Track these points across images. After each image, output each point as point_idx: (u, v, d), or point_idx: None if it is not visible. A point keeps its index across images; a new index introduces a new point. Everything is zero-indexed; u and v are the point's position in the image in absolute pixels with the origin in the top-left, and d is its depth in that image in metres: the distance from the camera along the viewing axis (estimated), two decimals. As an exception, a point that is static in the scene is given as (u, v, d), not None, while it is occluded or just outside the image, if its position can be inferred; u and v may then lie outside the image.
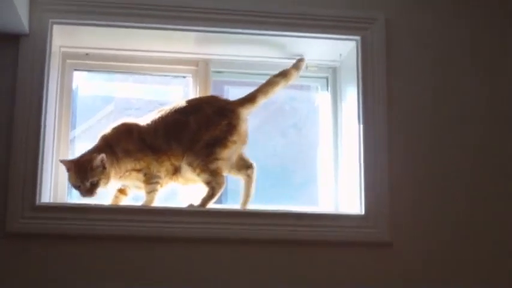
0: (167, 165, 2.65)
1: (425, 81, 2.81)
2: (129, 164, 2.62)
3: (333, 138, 2.96)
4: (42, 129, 2.53)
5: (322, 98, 3.07)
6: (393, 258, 2.63)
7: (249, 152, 2.75)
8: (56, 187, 2.74)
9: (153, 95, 3.07)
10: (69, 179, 2.55)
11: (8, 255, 2.44)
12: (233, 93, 3.02)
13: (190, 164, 2.63)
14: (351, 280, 2.60)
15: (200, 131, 2.65)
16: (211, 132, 2.65)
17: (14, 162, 2.49)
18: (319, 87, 3.08)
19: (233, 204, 2.85)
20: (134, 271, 2.49)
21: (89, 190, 2.51)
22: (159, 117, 2.68)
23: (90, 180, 2.49)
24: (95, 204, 2.54)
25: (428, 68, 2.82)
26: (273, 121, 2.95)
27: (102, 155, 2.51)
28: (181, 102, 2.73)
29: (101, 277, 2.47)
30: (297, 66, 2.82)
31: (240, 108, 2.72)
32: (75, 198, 2.67)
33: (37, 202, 2.48)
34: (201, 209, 2.61)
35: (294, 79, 2.83)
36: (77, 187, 2.53)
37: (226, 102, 2.75)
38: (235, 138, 2.67)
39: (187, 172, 2.65)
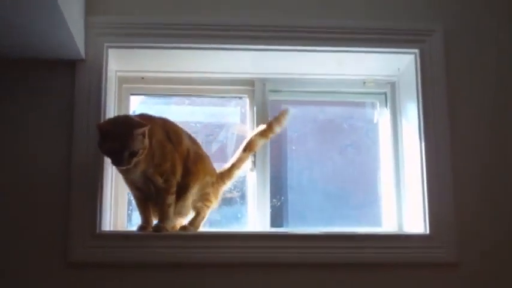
0: None
1: (488, 94, 2.72)
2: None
3: (394, 156, 2.89)
4: (101, 156, 2.51)
5: (381, 114, 3.00)
6: (460, 279, 2.55)
7: (308, 173, 2.71)
8: (115, 215, 2.74)
9: (210, 118, 3.04)
10: (103, 144, 2.34)
11: (71, 284, 2.45)
12: (290, 113, 2.98)
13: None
14: (417, 302, 2.53)
15: None
16: None
17: (74, 190, 2.49)
18: (377, 103, 3.02)
19: (294, 227, 2.81)
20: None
21: (126, 159, 2.32)
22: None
23: (132, 150, 2.32)
24: (156, 233, 2.50)
25: (491, 79, 2.73)
26: (331, 140, 2.90)
27: (149, 126, 2.39)
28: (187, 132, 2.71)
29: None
30: None
31: None
32: (134, 225, 2.65)
33: (98, 230, 2.48)
34: (264, 232, 2.63)
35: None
36: (112, 154, 2.35)
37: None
38: None
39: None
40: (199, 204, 2.62)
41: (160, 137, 2.53)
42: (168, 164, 2.53)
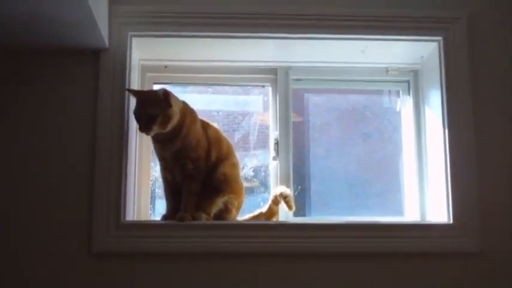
0: None
1: (512, 81, 2.70)
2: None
3: (417, 144, 2.89)
4: (124, 145, 2.54)
5: (404, 102, 2.99)
6: (483, 268, 2.55)
7: (330, 162, 2.71)
8: (139, 205, 2.75)
9: (233, 106, 3.05)
10: (135, 110, 2.46)
11: (94, 274, 2.47)
12: (313, 101, 2.98)
13: None
14: (439, 291, 2.53)
15: None
16: None
17: (98, 181, 2.51)
18: (400, 91, 3.00)
19: (316, 216, 2.84)
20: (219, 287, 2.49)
21: (145, 124, 2.39)
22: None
23: (148, 112, 2.38)
24: (179, 222, 2.49)
25: (516, 67, 2.71)
26: (353, 128, 2.90)
27: (165, 89, 2.42)
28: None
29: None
30: None
31: None
32: (157, 215, 2.67)
33: (121, 220, 2.49)
34: (284, 222, 2.64)
35: None
36: (137, 119, 2.43)
37: None
38: None
39: None
40: (225, 198, 2.63)
41: (200, 128, 2.59)
42: (202, 152, 2.56)
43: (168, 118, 2.41)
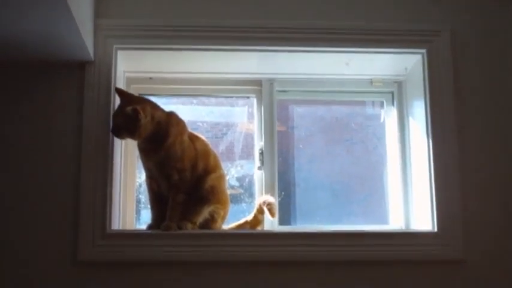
0: None
1: (494, 93, 2.73)
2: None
3: (401, 154, 2.91)
4: (109, 156, 2.55)
5: (388, 113, 3.01)
6: (468, 276, 2.57)
7: (315, 171, 2.72)
8: (124, 214, 2.76)
9: (218, 117, 3.06)
10: None
11: (80, 283, 2.47)
12: (298, 113, 2.99)
13: None
14: (424, 300, 2.54)
15: None
16: None
17: (83, 190, 2.51)
18: (384, 102, 3.03)
19: (301, 225, 2.86)
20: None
21: (114, 130, 2.48)
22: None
23: (117, 122, 2.47)
24: (164, 231, 2.51)
25: (498, 78, 2.74)
26: (338, 139, 2.91)
27: (136, 107, 2.40)
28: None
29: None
30: None
31: None
32: (143, 224, 2.68)
33: (107, 229, 2.49)
34: (270, 231, 2.66)
35: None
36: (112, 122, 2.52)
37: None
38: None
39: None
40: (211, 208, 2.64)
41: (187, 139, 2.61)
42: (188, 163, 2.58)
43: (136, 130, 2.44)
